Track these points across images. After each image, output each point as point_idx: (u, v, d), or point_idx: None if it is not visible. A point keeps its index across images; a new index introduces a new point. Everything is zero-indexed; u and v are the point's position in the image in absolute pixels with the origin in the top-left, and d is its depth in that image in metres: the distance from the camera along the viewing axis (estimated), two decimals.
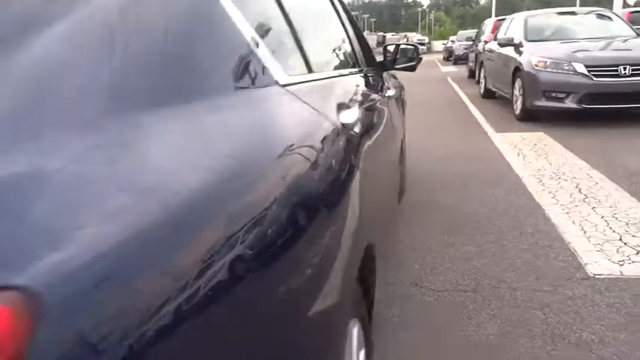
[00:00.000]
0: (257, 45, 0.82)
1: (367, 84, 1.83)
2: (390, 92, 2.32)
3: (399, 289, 2.18)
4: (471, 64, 12.74)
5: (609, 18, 7.22)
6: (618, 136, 5.14)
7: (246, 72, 0.78)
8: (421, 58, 2.82)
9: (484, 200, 3.37)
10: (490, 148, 4.95)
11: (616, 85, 5.50)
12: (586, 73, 5.60)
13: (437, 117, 7.27)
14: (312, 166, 0.76)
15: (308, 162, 0.75)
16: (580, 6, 17.17)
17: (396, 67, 2.76)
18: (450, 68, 19.93)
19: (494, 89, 8.10)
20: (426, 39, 70.77)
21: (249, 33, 0.82)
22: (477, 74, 10.30)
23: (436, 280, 2.26)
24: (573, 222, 2.87)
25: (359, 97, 1.45)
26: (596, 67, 5.60)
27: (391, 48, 2.83)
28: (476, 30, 14.57)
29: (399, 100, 3.03)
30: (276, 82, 0.83)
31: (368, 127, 1.33)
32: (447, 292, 2.15)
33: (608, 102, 5.54)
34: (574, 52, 5.86)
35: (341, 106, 1.07)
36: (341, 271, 0.80)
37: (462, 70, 15.18)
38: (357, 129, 1.09)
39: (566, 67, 5.70)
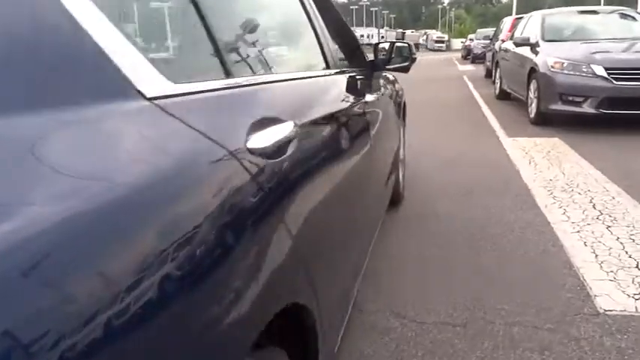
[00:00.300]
0: (112, 46, 0.58)
1: (336, 88, 1.57)
2: (375, 96, 2.05)
3: (376, 321, 1.92)
4: (488, 63, 12.36)
5: (633, 18, 6.82)
6: (639, 144, 4.80)
7: (77, 82, 0.53)
8: (415, 59, 2.55)
9: (488, 213, 3.09)
10: (500, 153, 4.65)
11: (638, 90, 5.14)
12: (605, 76, 5.25)
13: (447, 118, 6.96)
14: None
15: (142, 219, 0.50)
16: (604, 5, 16.59)
17: (388, 67, 2.49)
18: (468, 67, 19.49)
19: (509, 90, 7.75)
20: (446, 37, 69.97)
21: (102, 31, 0.58)
22: (493, 74, 9.94)
23: (422, 310, 2.00)
24: (585, 243, 2.58)
25: (308, 107, 1.20)
26: (617, 70, 5.24)
27: (385, 46, 2.57)
28: (495, 29, 14.16)
29: (393, 104, 2.77)
30: (137, 95, 0.58)
31: (313, 148, 1.07)
32: (432, 326, 1.88)
33: (629, 107, 5.19)
34: (593, 53, 5.50)
35: (261, 123, 0.82)
36: None
37: (480, 70, 14.78)
38: (278, 154, 0.82)
39: (585, 70, 5.35)
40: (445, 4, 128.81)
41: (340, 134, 1.43)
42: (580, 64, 5.42)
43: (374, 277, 2.24)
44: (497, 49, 9.22)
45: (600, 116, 5.36)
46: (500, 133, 5.64)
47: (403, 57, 2.51)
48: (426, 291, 2.15)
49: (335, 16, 2.20)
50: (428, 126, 6.22)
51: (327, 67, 1.62)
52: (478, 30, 25.99)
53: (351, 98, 1.65)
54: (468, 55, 23.73)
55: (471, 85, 11.49)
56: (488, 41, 13.88)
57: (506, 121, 6.38)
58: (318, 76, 1.49)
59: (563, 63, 5.53)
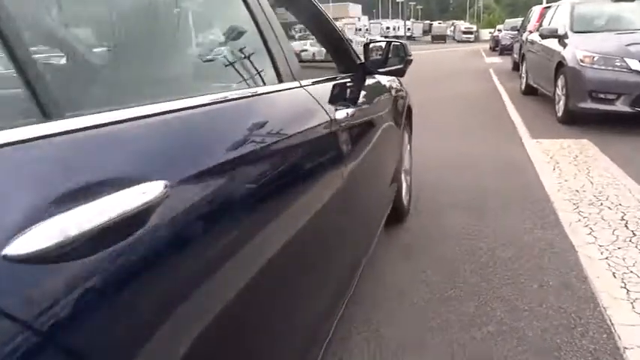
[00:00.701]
0: None
1: (286, 105, 1.25)
2: (362, 107, 1.69)
3: None
4: (515, 55, 11.79)
5: None
6: None
7: None
8: (411, 60, 2.20)
9: (502, 231, 2.72)
10: (521, 157, 4.24)
11: None
12: None
13: (465, 115, 6.55)
14: None
15: None
16: None
17: (380, 70, 2.15)
18: (495, 59, 18.81)
19: (535, 85, 7.26)
20: (474, 27, 68.41)
21: None
22: (520, 67, 9.41)
23: None
24: (614, 274, 2.20)
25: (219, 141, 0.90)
26: None
27: (379, 45, 2.23)
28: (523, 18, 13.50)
29: (392, 111, 2.42)
30: None
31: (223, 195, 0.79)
32: None
33: None
34: (628, 45, 5.00)
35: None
36: None
37: (507, 62, 14.18)
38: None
39: (618, 64, 4.87)
40: None
41: (285, 167, 1.12)
42: (613, 57, 4.94)
43: (362, 324, 1.92)
44: (524, 41, 8.69)
45: (636, 115, 4.87)
46: (524, 133, 5.21)
47: (400, 57, 2.17)
48: (420, 337, 1.82)
49: (313, 11, 1.87)
50: (443, 125, 5.83)
51: (280, 79, 1.30)
52: (506, 20, 25.10)
53: (313, 116, 1.33)
54: (496, 47, 22.94)
55: (496, 79, 10.96)
56: (516, 32, 13.26)
57: (531, 119, 5.93)
58: (255, 95, 1.16)
59: (593, 57, 5.05)
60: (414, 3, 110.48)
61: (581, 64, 5.11)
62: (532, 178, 3.66)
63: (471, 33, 63.01)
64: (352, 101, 1.73)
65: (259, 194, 0.97)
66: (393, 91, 2.50)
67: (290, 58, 1.36)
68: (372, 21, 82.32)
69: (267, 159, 1.04)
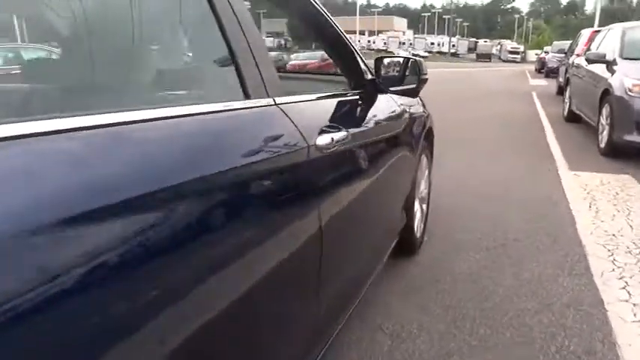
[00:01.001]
0: None
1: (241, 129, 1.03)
2: (348, 134, 1.44)
3: None
4: (560, 79, 11.27)
5: None
6: None
7: None
8: (425, 80, 1.96)
9: (522, 278, 2.42)
10: (555, 192, 3.89)
11: None
12: None
13: (501, 138, 6.19)
14: None
15: None
16: None
17: (392, 89, 1.92)
18: (540, 81, 18.19)
19: (578, 112, 6.84)
20: (521, 47, 67.09)
21: None
22: (564, 92, 8.95)
23: None
24: None
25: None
26: None
27: (389, 61, 1.99)
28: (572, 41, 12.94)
29: (405, 135, 2.18)
30: None
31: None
32: None
33: None
34: None
35: None
36: None
37: (552, 85, 13.62)
38: None
39: None
40: (523, 14, 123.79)
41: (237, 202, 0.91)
42: None
43: None
44: (570, 64, 8.25)
45: None
46: (561, 163, 4.84)
47: (414, 76, 1.93)
48: None
49: (316, 17, 1.66)
50: (474, 148, 5.52)
51: (246, 95, 1.07)
52: (554, 42, 24.33)
53: (281, 141, 1.10)
54: (542, 69, 22.23)
55: (538, 103, 10.49)
56: (563, 55, 12.72)
57: (571, 149, 5.53)
58: (200, 114, 0.94)
59: None
60: (461, 20, 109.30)
61: (630, 93, 4.72)
62: (564, 216, 3.32)
63: (517, 53, 61.80)
64: (346, 123, 1.50)
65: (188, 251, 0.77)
66: (408, 112, 2.24)
67: (264, 70, 1.14)
68: (416, 35, 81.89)
69: (200, 199, 0.83)
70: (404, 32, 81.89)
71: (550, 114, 8.47)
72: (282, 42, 69.13)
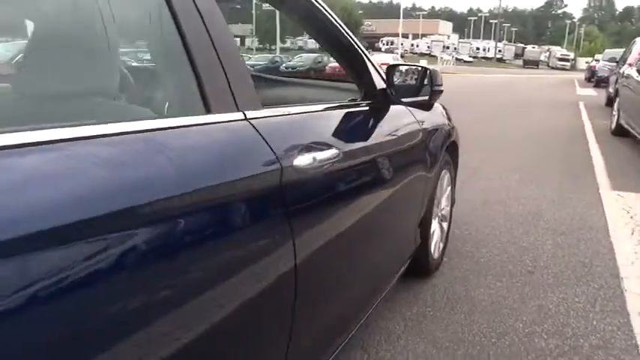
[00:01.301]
0: None
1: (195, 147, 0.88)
2: (339, 152, 1.25)
3: None
4: (610, 89, 10.70)
5: None
6: None
7: None
8: (439, 92, 1.78)
9: (547, 309, 2.19)
10: (594, 213, 3.59)
11: None
12: None
13: (540, 154, 5.86)
14: None
15: None
16: None
17: (403, 101, 1.74)
18: (589, 91, 17.45)
19: (626, 126, 6.41)
20: (571, 55, 64.87)
21: None
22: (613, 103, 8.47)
23: None
24: None
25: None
26: None
27: (404, 69, 1.81)
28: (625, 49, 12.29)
29: (419, 152, 1.99)
30: None
31: None
32: None
33: None
34: None
35: None
36: None
37: (602, 96, 12.98)
38: None
39: None
40: (575, 20, 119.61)
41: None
42: None
43: None
44: (621, 74, 7.78)
45: None
46: (603, 182, 4.51)
47: (427, 87, 1.76)
48: None
49: (326, 23, 1.51)
50: (507, 164, 5.23)
51: (208, 109, 0.93)
52: (606, 50, 23.27)
53: (244, 163, 0.94)
54: (592, 78, 21.31)
55: (584, 114, 9.99)
56: (615, 64, 12.08)
57: (616, 166, 5.17)
58: (145, 131, 0.80)
59: None
60: (509, 24, 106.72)
61: None
62: (601, 242, 3.04)
63: (567, 60, 59.80)
64: (342, 138, 1.34)
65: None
66: (426, 125, 2.05)
67: (234, 80, 0.99)
68: (461, 40, 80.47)
69: (133, 236, 0.70)
70: (448, 36, 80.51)
71: (597, 127, 8.02)
72: None
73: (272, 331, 1.05)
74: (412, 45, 70.63)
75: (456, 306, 2.22)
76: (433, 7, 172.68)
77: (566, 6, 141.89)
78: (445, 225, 2.66)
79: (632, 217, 3.52)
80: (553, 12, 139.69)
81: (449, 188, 2.62)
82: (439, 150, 2.25)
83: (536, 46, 75.73)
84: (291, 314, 1.07)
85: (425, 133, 2.03)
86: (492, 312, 2.18)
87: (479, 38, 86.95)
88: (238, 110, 0.99)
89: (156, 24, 0.90)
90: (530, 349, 1.92)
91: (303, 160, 1.08)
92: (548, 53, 68.33)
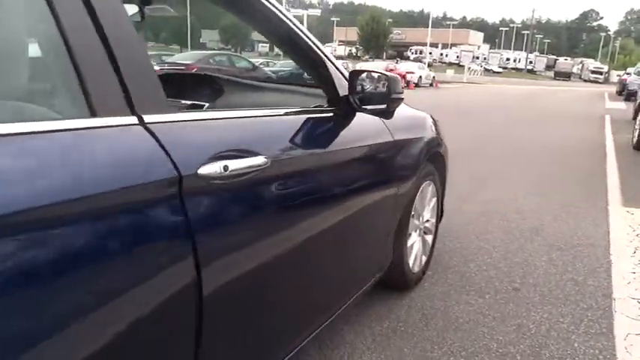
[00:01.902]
0: None
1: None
2: (267, 160, 1.16)
3: None
4: (638, 102, 10.35)
5: None
6: None
7: None
8: (397, 99, 1.71)
9: (527, 328, 2.09)
10: (598, 230, 3.44)
11: None
12: None
13: (553, 166, 5.69)
14: None
15: None
16: None
17: (365, 108, 1.68)
18: (617, 104, 16.98)
19: None
20: (605, 68, 63.18)
21: None
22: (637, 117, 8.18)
23: None
24: None
25: None
26: None
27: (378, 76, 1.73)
28: None
29: (386, 165, 1.92)
30: None
31: None
32: None
33: None
34: None
35: None
36: None
37: (631, 109, 12.56)
38: None
39: None
40: (611, 33, 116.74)
41: None
42: None
43: None
44: None
45: None
46: (615, 197, 4.33)
47: (389, 94, 1.69)
48: None
49: (282, 26, 1.46)
50: (517, 176, 5.09)
51: (92, 111, 0.86)
52: (638, 63, 22.61)
53: (134, 174, 0.88)
54: (623, 91, 20.73)
55: (608, 128, 9.70)
56: None
57: (632, 182, 4.97)
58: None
59: None
60: (542, 36, 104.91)
61: None
62: (599, 260, 2.90)
63: (600, 73, 58.31)
64: (279, 146, 1.29)
65: None
66: (398, 136, 1.96)
67: (132, 80, 0.93)
68: (491, 50, 79.47)
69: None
70: (479, 46, 79.59)
71: (619, 141, 7.77)
72: (354, 51, 69.24)
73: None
74: (441, 54, 70.03)
75: (430, 322, 2.14)
76: (465, 17, 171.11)
77: (601, 18, 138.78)
78: (429, 238, 2.57)
79: (637, 235, 3.36)
80: (588, 24, 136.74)
81: (434, 200, 2.54)
82: (417, 161, 2.17)
83: (569, 58, 74.07)
84: (195, 338, 1.02)
85: (397, 143, 1.96)
86: (467, 330, 2.09)
87: (509, 49, 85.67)
88: (133, 114, 0.92)
89: (40, 20, 0.86)
90: None
91: (209, 169, 1.01)
92: (580, 65, 66.82)
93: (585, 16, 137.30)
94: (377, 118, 1.86)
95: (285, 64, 19.96)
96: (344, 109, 1.67)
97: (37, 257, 0.72)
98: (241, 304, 1.18)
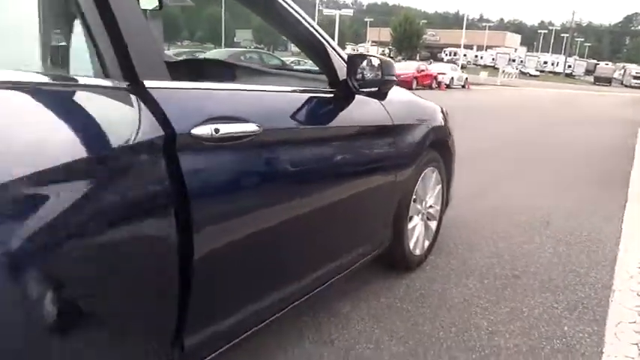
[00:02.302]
0: None
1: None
2: (258, 129, 1.27)
3: None
4: None
5: None
6: None
7: None
8: (389, 81, 1.81)
9: (518, 313, 2.16)
10: (610, 226, 3.43)
11: None
12: None
13: (577, 167, 5.65)
14: None
15: None
16: None
17: (363, 90, 1.79)
18: None
19: None
20: None
21: None
22: None
23: None
24: None
25: None
26: None
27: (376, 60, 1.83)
28: None
29: (383, 145, 2.01)
30: None
31: None
32: None
33: None
34: None
35: None
36: None
37: None
38: None
39: None
40: None
41: None
42: None
43: None
44: None
45: None
46: (634, 197, 4.29)
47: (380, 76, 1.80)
48: None
49: (281, 11, 1.59)
50: (537, 175, 5.10)
51: (103, 73, 1.02)
52: None
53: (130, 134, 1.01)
54: None
55: None
56: None
57: None
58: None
59: None
60: (582, 39, 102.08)
61: None
62: (607, 255, 2.92)
63: None
64: (272, 118, 1.41)
65: None
66: (398, 120, 2.06)
67: (137, 49, 1.06)
68: (528, 53, 77.74)
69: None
70: (515, 49, 78.03)
71: None
72: (386, 51, 68.93)
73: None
74: (476, 56, 69.01)
75: (426, 301, 2.23)
76: (502, 19, 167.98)
77: None
78: (433, 224, 2.66)
79: None
80: (632, 28, 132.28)
81: (438, 187, 2.62)
82: (419, 146, 2.26)
83: (610, 63, 71.99)
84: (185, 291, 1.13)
85: (396, 127, 2.06)
86: (461, 309, 2.18)
87: (547, 52, 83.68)
88: (134, 79, 1.06)
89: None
90: (486, 345, 1.91)
91: (203, 130, 1.13)
92: (622, 71, 64.71)
93: (629, 19, 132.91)
94: (377, 102, 1.97)
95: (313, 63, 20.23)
96: (343, 92, 1.79)
97: (52, 208, 0.81)
98: (232, 255, 1.30)
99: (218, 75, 2.28)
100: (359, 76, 1.77)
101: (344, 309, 2.11)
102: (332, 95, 1.77)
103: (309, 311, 2.01)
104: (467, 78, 26.84)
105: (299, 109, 1.55)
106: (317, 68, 1.96)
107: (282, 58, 18.94)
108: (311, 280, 1.72)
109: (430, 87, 21.78)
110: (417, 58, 57.21)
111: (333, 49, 1.77)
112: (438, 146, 2.49)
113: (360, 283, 2.30)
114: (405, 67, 22.29)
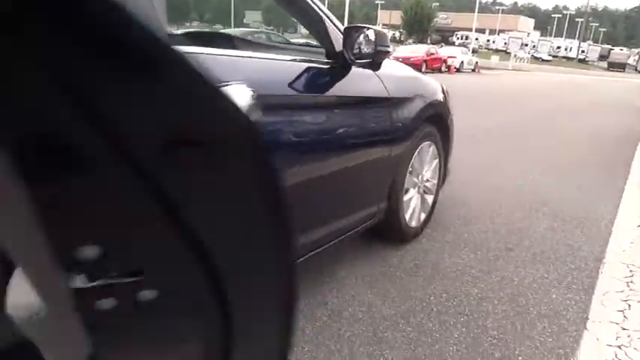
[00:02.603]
0: None
1: None
2: (252, 94, 1.29)
3: None
4: None
5: None
6: None
7: None
8: (383, 52, 1.86)
9: (508, 282, 2.23)
10: (607, 206, 3.48)
11: None
12: None
13: (580, 150, 5.67)
14: None
15: None
16: None
17: (358, 61, 1.85)
18: None
19: None
20: None
21: None
22: None
23: None
24: None
25: None
26: None
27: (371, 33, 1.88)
28: None
29: (376, 116, 2.07)
30: None
31: None
32: None
33: None
34: None
35: None
36: None
37: None
38: None
39: None
40: None
41: None
42: None
43: None
44: None
45: None
46: (634, 180, 4.32)
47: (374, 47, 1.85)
48: None
49: None
50: (539, 158, 5.12)
51: None
52: None
53: None
54: None
55: None
56: None
57: None
58: None
59: None
60: (597, 24, 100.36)
61: None
62: (601, 231, 2.98)
63: None
64: (266, 85, 1.48)
65: None
66: (397, 93, 2.12)
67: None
68: (541, 38, 76.64)
69: None
70: (528, 33, 76.97)
71: None
72: (397, 34, 68.30)
73: None
74: (488, 40, 68.22)
75: (420, 270, 2.31)
76: (516, 3, 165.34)
77: None
78: (430, 197, 2.72)
79: None
80: None
81: (435, 162, 2.68)
82: (415, 120, 2.32)
83: (624, 49, 70.79)
84: None
85: (392, 100, 2.12)
86: (453, 278, 2.25)
87: (560, 37, 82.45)
88: None
89: None
90: (474, 310, 1.99)
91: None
92: (637, 56, 63.69)
93: None
94: (374, 75, 2.03)
95: None
96: (340, 63, 1.85)
97: None
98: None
99: (218, 45, 2.34)
100: (356, 50, 1.83)
101: (339, 273, 2.19)
102: (328, 66, 1.83)
103: (305, 274, 2.09)
104: (477, 62, 26.64)
105: (293, 76, 1.62)
106: (317, 43, 2.01)
107: (291, 40, 18.93)
108: (305, 244, 1.79)
109: (440, 70, 21.67)
110: (428, 41, 56.79)
111: (331, 21, 1.83)
112: (435, 121, 2.54)
113: (356, 252, 2.38)
114: (415, 50, 22.20)
